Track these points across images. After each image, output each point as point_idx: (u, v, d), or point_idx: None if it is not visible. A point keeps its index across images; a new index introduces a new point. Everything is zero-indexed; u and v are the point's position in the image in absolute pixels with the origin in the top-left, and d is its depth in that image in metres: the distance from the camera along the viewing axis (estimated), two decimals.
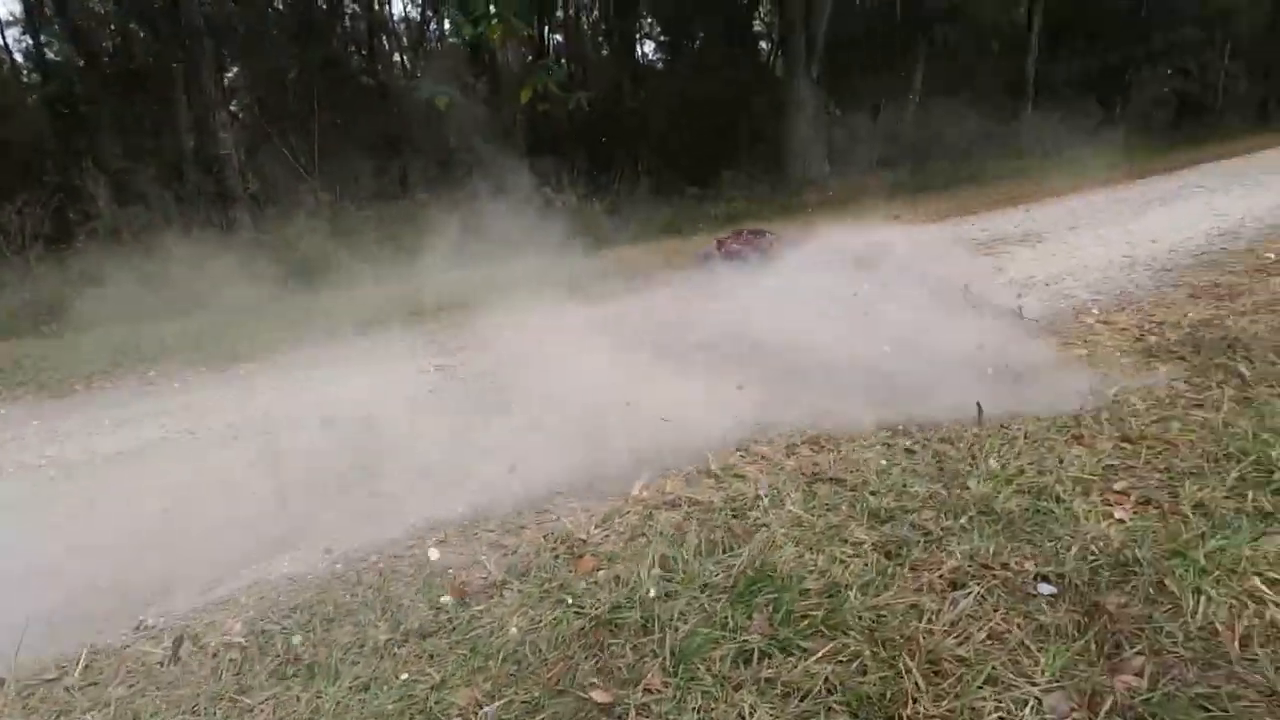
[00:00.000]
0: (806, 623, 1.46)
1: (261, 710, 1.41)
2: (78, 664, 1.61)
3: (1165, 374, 2.61)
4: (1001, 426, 2.31)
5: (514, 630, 1.56)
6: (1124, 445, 2.10)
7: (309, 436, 2.70)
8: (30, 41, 15.17)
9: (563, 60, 17.64)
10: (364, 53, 15.35)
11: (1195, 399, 2.35)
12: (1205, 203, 6.65)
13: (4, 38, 15.27)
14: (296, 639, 1.59)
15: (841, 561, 1.67)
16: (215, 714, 1.41)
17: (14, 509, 2.52)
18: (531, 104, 10.94)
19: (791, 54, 12.58)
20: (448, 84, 11.43)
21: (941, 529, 1.76)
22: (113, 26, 15.16)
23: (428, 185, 10.22)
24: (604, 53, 19.14)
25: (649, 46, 19.60)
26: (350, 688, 1.43)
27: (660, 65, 19.02)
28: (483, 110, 13.98)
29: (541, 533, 2.00)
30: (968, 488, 1.94)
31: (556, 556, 1.85)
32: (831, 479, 2.10)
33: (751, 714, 1.28)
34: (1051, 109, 14.03)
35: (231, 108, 14.60)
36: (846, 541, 1.76)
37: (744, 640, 1.43)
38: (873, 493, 1.98)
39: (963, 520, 1.78)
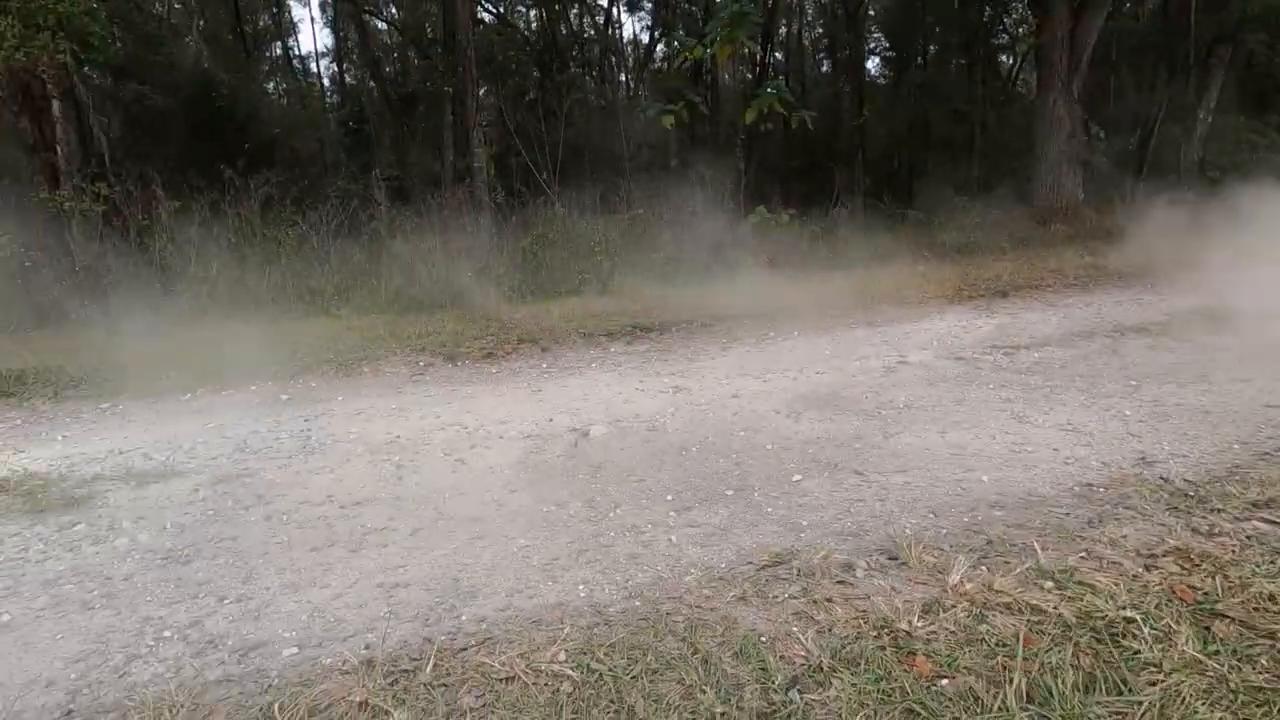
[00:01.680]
0: None
1: None
2: (427, 662, 1.74)
3: None
4: None
5: None
6: None
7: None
8: (335, 69, 18.29)
9: (783, 77, 17.47)
10: (594, 74, 16.45)
11: None
12: None
13: (319, 66, 18.50)
14: (626, 686, 1.58)
15: None
16: None
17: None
18: (757, 123, 10.88)
19: (1048, 69, 11.23)
20: (672, 103, 11.79)
21: None
22: (395, 55, 17.79)
23: (647, 202, 10.59)
24: (823, 69, 18.66)
25: (873, 63, 18.76)
26: None
27: (883, 81, 18.13)
28: (703, 128, 14.28)
29: (852, 610, 1.83)
30: None
31: (882, 648, 1.67)
32: (1230, 618, 1.68)
33: None
34: None
35: (483, 124, 16.41)
36: None
37: None
38: None
39: None
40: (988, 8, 15.29)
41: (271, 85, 18.68)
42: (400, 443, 3.74)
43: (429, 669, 1.72)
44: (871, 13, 17.29)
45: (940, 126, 14.60)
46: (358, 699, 1.62)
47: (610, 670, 1.64)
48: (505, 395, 4.61)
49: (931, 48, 17.31)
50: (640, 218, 10.44)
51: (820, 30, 18.27)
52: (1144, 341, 4.77)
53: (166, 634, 2.01)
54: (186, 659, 1.87)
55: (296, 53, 19.14)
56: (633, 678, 1.61)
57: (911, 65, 16.69)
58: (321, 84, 19.11)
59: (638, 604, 1.98)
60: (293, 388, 5.04)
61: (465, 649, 1.81)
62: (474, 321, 6.99)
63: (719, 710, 1.49)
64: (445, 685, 1.66)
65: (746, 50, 13.86)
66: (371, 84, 15.75)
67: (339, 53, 17.72)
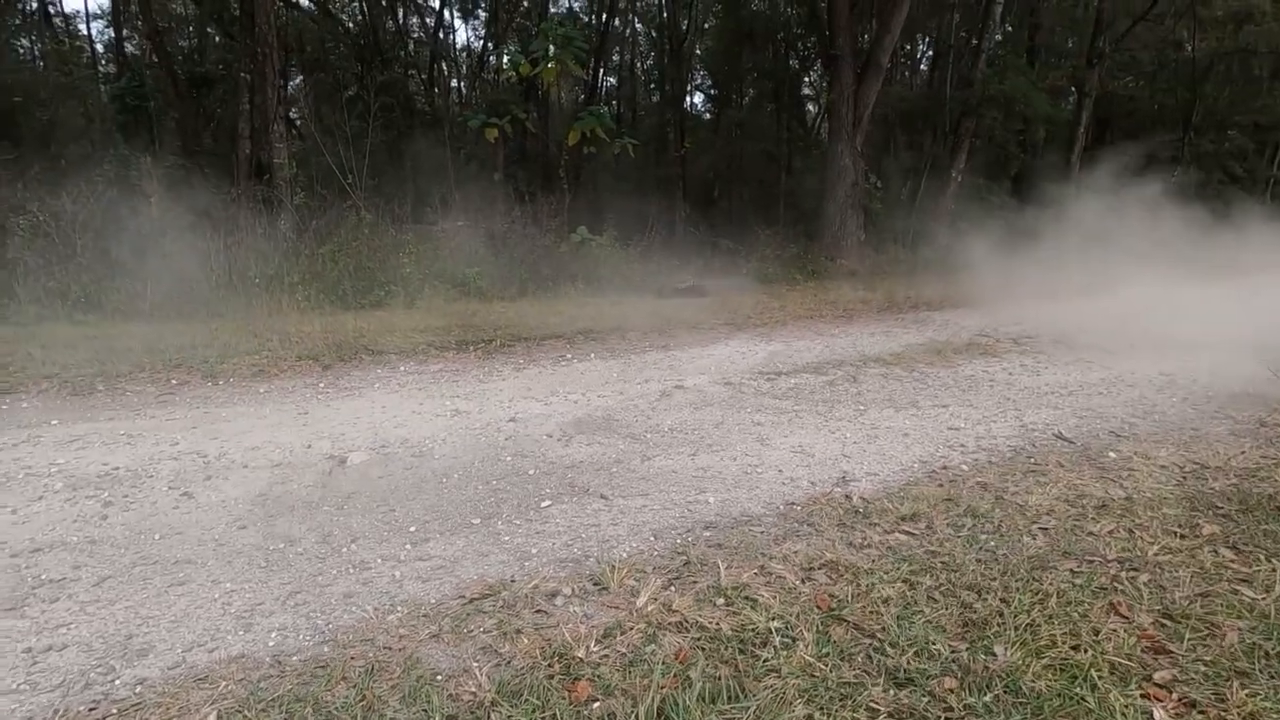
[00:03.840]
0: None
1: None
2: None
3: (1208, 535, 2.47)
4: (1031, 578, 2.18)
5: None
6: (1165, 622, 1.97)
7: None
8: (112, 34, 15.91)
9: (614, 103, 18.04)
10: (423, 78, 15.86)
11: (1243, 573, 2.22)
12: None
13: (89, 27, 15.99)
14: None
15: None
16: None
17: None
18: (579, 145, 11.13)
19: (837, 121, 12.71)
20: (498, 117, 11.71)
21: (964, 706, 1.64)
22: (191, 29, 15.86)
23: (468, 214, 10.38)
24: (654, 99, 19.55)
25: (699, 99, 20.02)
26: None
27: (708, 117, 19.39)
28: (530, 145, 14.30)
29: (539, 640, 1.91)
30: (993, 653, 1.82)
31: (551, 677, 1.76)
32: (848, 622, 1.98)
33: None
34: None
35: (292, 115, 15.10)
36: (861, 706, 1.64)
37: None
38: (892, 645, 1.87)
39: (987, 698, 1.66)
40: (795, 61, 16.99)
41: (25, 44, 15.83)
42: (116, 475, 3.30)
43: None
44: (698, 51, 18.47)
45: (754, 165, 15.90)
46: None
47: None
48: (267, 418, 4.25)
49: (750, 91, 18.84)
50: (458, 230, 10.20)
51: (651, 61, 19.16)
52: (880, 370, 5.52)
53: None
54: None
55: (58, 9, 16.38)
56: None
57: (731, 105, 18.06)
58: (93, 49, 16.53)
59: (326, 649, 1.91)
60: None
61: None
62: (254, 335, 6.37)
63: None
64: None
65: (580, 74, 14.16)
66: (155, 58, 13.88)
67: (117, 16, 15.42)
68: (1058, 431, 3.86)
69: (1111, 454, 3.42)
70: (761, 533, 2.62)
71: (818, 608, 2.05)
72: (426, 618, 2.06)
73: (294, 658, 1.89)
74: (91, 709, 1.69)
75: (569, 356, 6.00)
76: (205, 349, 5.71)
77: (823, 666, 1.78)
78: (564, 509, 2.96)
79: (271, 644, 1.98)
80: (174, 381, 4.94)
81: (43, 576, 2.40)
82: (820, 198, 12.98)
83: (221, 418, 4.24)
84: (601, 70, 17.21)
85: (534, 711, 1.62)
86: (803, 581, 2.21)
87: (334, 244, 8.58)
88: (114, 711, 1.66)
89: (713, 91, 19.20)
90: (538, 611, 2.07)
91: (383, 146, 12.05)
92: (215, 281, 7.79)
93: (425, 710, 1.62)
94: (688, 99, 18.70)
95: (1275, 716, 1.60)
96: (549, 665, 1.79)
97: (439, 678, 1.75)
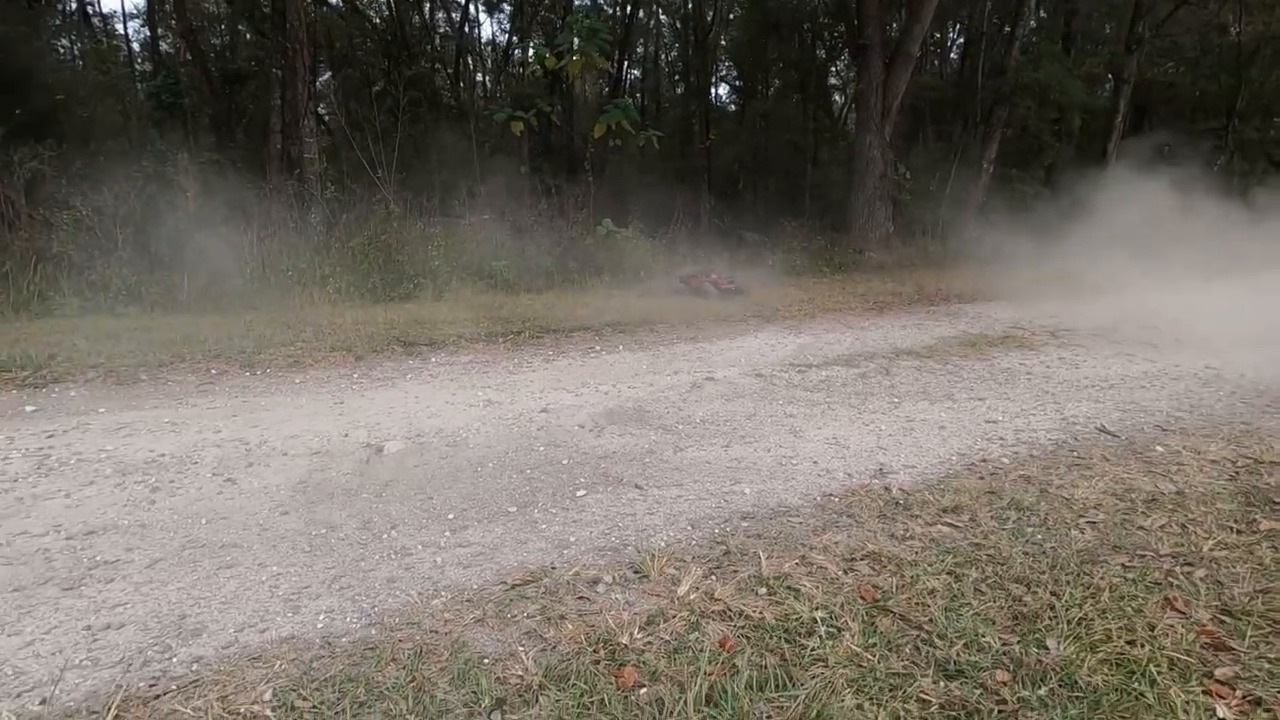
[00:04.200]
0: None
1: None
2: (107, 714, 1.58)
3: (1266, 531, 2.40)
4: (1081, 572, 2.14)
5: None
6: (1224, 618, 1.91)
7: None
8: (148, 33, 16.24)
9: (639, 95, 17.98)
10: (449, 72, 15.95)
11: None
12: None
13: (125, 27, 16.33)
14: None
15: None
16: None
17: None
18: (604, 138, 11.11)
19: (865, 111, 12.52)
20: (523, 110, 11.74)
21: (1017, 699, 1.61)
22: (223, 27, 16.14)
23: (492, 208, 10.42)
24: (679, 91, 19.45)
25: (724, 90, 19.87)
26: None
27: (733, 108, 19.25)
28: (556, 138, 14.32)
29: (583, 627, 1.92)
30: (1046, 647, 1.79)
31: (597, 662, 1.76)
32: (894, 613, 1.96)
33: None
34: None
35: (320, 110, 15.31)
36: (911, 698, 1.62)
37: None
38: (940, 636, 1.84)
39: (1041, 691, 1.63)
40: (822, 51, 16.77)
41: (65, 44, 16.22)
42: (163, 461, 3.39)
43: None
44: (723, 42, 18.32)
45: (779, 156, 15.74)
46: None
47: (314, 706, 1.59)
48: (304, 407, 4.33)
49: (775, 82, 18.64)
50: (485, 223, 10.25)
51: (676, 53, 19.05)
52: (913, 363, 5.44)
53: None
54: None
55: (96, 9, 16.76)
56: (336, 713, 1.57)
57: (756, 96, 17.88)
58: (130, 48, 16.90)
59: (374, 632, 1.94)
60: (43, 397, 4.40)
61: (161, 695, 1.67)
62: (288, 326, 6.49)
63: None
64: None
65: (605, 67, 14.13)
66: (189, 56, 14.14)
67: (152, 15, 15.74)
68: (1100, 425, 3.77)
69: (1159, 448, 3.33)
70: (800, 524, 2.60)
71: (862, 598, 2.03)
72: (470, 603, 2.08)
73: (343, 639, 1.92)
74: (151, 685, 1.74)
75: (597, 348, 6.01)
76: (242, 339, 5.83)
77: (870, 657, 1.77)
78: (599, 498, 2.97)
79: (320, 626, 2.01)
80: (214, 371, 5.05)
81: (97, 558, 2.47)
82: (847, 189, 12.81)
83: (260, 406, 4.33)
84: (626, 63, 17.17)
85: (581, 695, 1.63)
86: (845, 572, 2.19)
87: (364, 237, 8.68)
88: (173, 688, 1.71)
89: (738, 83, 19.05)
90: (580, 598, 2.08)
91: (410, 141, 12.14)
92: (249, 274, 7.94)
93: (475, 692, 1.64)
94: (713, 91, 18.59)
95: None
96: (594, 651, 1.80)
97: (486, 661, 1.77)
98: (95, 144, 11.83)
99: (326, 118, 15.39)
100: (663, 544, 2.49)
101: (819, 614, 1.95)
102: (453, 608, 2.05)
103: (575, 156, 12.69)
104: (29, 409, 4.16)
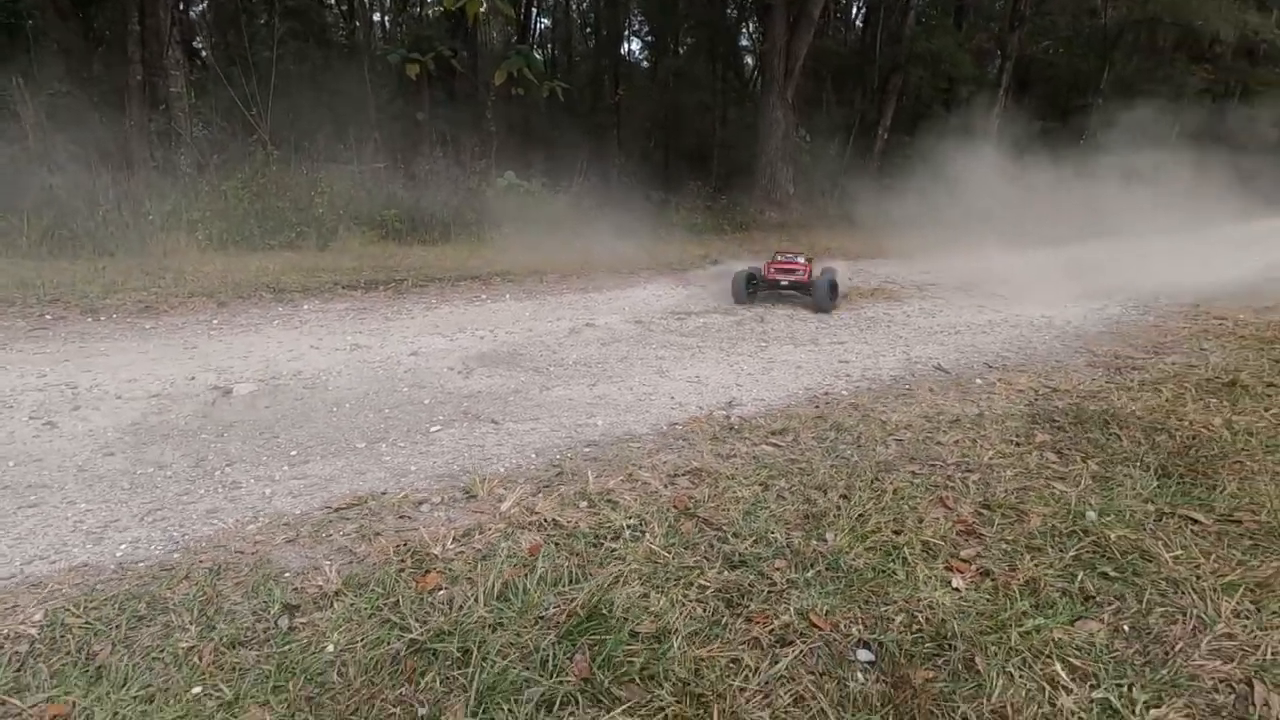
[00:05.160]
0: (625, 669, 1.45)
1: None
2: None
3: (1039, 442, 2.71)
4: (875, 479, 2.35)
5: (330, 648, 1.50)
6: (983, 511, 2.17)
7: None
8: None
9: (549, 45, 17.43)
10: (342, 9, 14.88)
11: (1060, 471, 2.45)
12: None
13: None
14: (97, 635, 1.51)
15: (681, 605, 1.67)
16: None
17: None
18: (506, 86, 10.75)
19: (769, 72, 12.70)
20: (421, 53, 11.16)
21: (787, 581, 1.78)
22: None
23: (386, 154, 9.94)
24: (591, 45, 19.00)
25: (636, 45, 19.56)
26: (135, 697, 1.35)
27: (646, 65, 19.00)
28: (459, 86, 13.71)
29: (396, 541, 1.95)
30: (824, 539, 1.97)
31: (402, 570, 1.80)
32: (699, 517, 2.10)
33: None
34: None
35: (196, 44, 13.96)
36: (693, 585, 1.76)
37: (557, 682, 1.41)
38: (735, 534, 1.99)
39: (809, 574, 1.80)
40: (733, 10, 16.76)
41: None
42: None
43: None
44: None
45: (690, 115, 15.75)
46: None
47: (86, 623, 1.55)
48: (149, 353, 4.06)
49: (688, 40, 18.51)
50: (377, 171, 9.78)
51: (587, 4, 18.52)
52: (787, 312, 5.69)
53: None
54: None
55: None
56: (112, 627, 1.54)
57: (668, 53, 17.73)
58: None
59: (176, 556, 1.90)
60: None
61: None
62: (145, 273, 6.01)
63: (189, 645, 1.49)
64: None
65: (509, 13, 13.55)
66: None
67: None
68: (937, 364, 4.10)
69: (978, 380, 3.67)
70: (638, 448, 2.71)
71: (674, 508, 2.16)
72: (287, 525, 2.06)
73: (140, 565, 1.86)
74: None
75: (483, 297, 5.93)
76: (87, 285, 5.37)
77: (666, 555, 1.89)
78: (452, 433, 2.98)
79: (119, 554, 1.94)
80: (48, 316, 4.64)
81: None
82: (754, 150, 13.02)
83: (99, 352, 4.03)
84: (535, 10, 16.56)
85: (377, 599, 1.67)
86: (666, 486, 2.31)
87: (238, 180, 8.09)
88: None
89: (650, 39, 18.79)
90: (402, 517, 2.11)
91: (296, 80, 11.31)
92: (104, 218, 7.25)
93: (265, 602, 1.64)
94: (625, 45, 18.26)
95: (1050, 579, 1.80)
96: (401, 561, 1.84)
97: (287, 575, 1.77)
98: None
99: (203, 52, 14.07)
100: (501, 470, 2.54)
101: (630, 521, 2.06)
102: (267, 531, 2.03)
103: (479, 106, 12.21)
104: None
